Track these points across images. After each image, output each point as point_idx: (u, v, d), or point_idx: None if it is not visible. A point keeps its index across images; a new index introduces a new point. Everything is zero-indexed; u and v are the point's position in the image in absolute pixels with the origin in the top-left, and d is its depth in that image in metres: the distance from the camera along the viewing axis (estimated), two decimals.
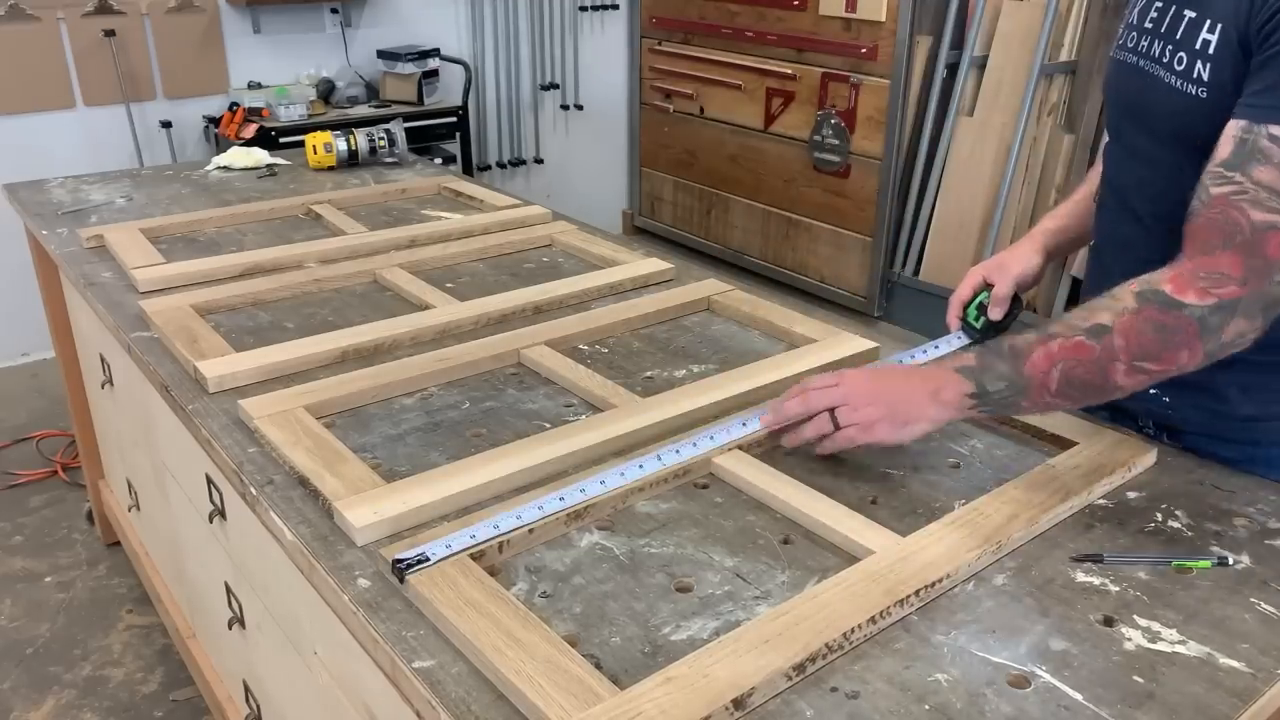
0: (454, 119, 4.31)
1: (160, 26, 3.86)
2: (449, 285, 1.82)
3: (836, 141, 4.17)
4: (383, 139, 2.60)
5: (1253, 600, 1.00)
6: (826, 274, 4.41)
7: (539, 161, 5.01)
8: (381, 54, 4.22)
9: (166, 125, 3.93)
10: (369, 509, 1.11)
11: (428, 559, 1.02)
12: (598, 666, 0.91)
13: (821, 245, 4.39)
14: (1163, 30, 1.15)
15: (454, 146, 4.35)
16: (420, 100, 4.23)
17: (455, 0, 4.53)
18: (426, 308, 1.70)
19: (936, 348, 1.45)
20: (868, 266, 4.21)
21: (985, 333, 1.43)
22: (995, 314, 1.41)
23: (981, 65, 3.92)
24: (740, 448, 1.26)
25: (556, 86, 4.93)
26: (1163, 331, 1.03)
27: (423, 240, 2.03)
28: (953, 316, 1.45)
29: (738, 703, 0.85)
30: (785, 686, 0.89)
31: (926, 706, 0.87)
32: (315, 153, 2.54)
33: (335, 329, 1.61)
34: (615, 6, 4.98)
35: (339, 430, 1.33)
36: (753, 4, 4.38)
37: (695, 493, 1.20)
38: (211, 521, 1.59)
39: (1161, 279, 1.05)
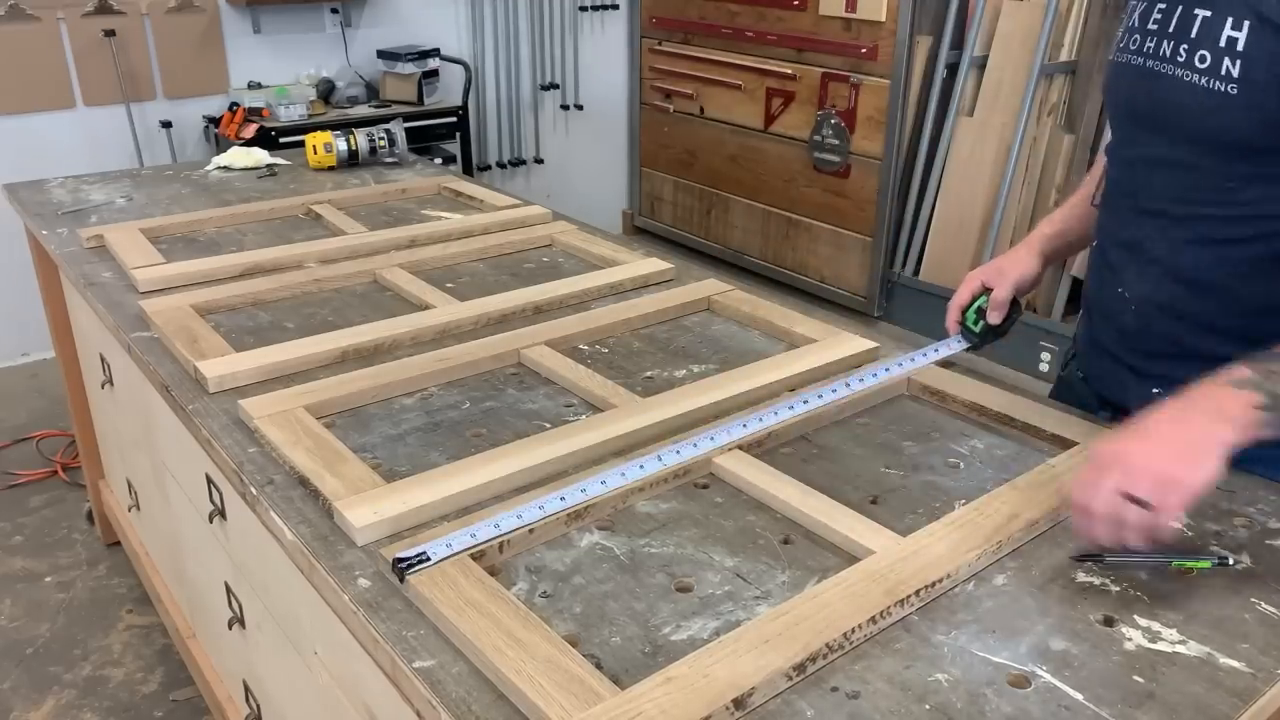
0: (454, 119, 4.31)
1: (160, 26, 3.86)
2: (449, 285, 1.82)
3: (836, 141, 4.17)
4: (383, 139, 2.60)
5: (1253, 600, 1.00)
6: (826, 274, 4.41)
7: (539, 161, 5.01)
8: (381, 54, 4.22)
9: (166, 125, 3.93)
10: (369, 509, 1.11)
11: (428, 559, 1.02)
12: (598, 666, 0.91)
13: (821, 245, 4.39)
14: (1172, 30, 1.15)
15: (454, 146, 4.35)
16: (420, 100, 4.23)
17: (455, 0, 4.53)
18: (426, 308, 1.70)
19: (936, 350, 1.45)
20: (868, 266, 4.21)
21: (984, 337, 1.43)
22: (994, 318, 1.42)
23: (981, 65, 3.92)
24: (740, 448, 1.26)
25: (556, 86, 4.93)
26: None
27: (423, 240, 2.03)
28: (951, 321, 1.45)
29: (738, 703, 0.85)
30: (785, 686, 0.89)
31: (927, 706, 0.87)
32: (315, 153, 2.54)
33: (335, 329, 1.61)
34: (615, 6, 4.98)
35: (339, 430, 1.33)
36: (753, 4, 4.38)
37: (695, 493, 1.20)
38: (211, 521, 1.59)
39: None
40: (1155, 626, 0.97)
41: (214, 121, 3.93)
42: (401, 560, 1.02)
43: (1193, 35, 1.12)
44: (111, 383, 2.12)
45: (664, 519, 1.14)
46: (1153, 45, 1.18)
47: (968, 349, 1.45)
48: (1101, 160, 1.39)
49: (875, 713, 0.86)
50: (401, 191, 2.39)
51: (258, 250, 1.95)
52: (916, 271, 4.15)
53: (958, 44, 3.94)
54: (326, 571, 1.05)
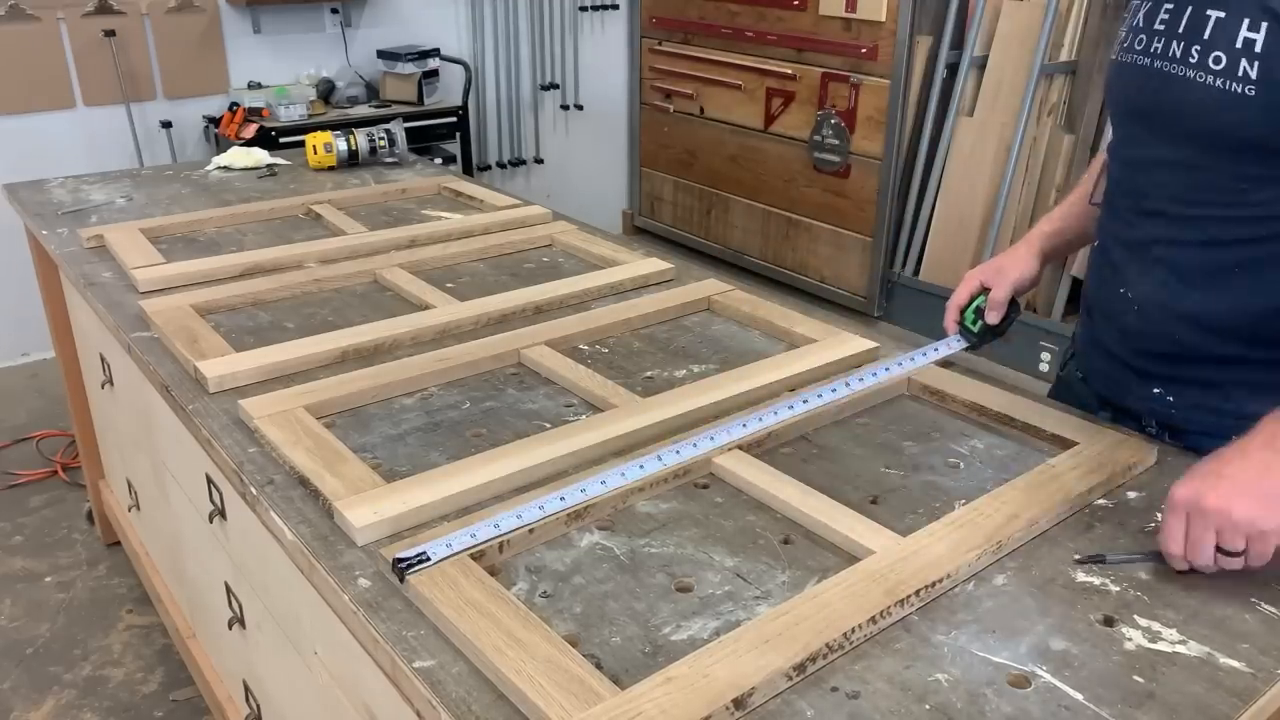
0: (454, 119, 4.31)
1: (160, 26, 3.86)
2: (449, 285, 1.82)
3: (836, 141, 4.17)
4: (383, 139, 2.60)
5: (1253, 600, 1.00)
6: (826, 274, 4.41)
7: (539, 161, 5.01)
8: (381, 54, 4.22)
9: (166, 125, 3.93)
10: (369, 509, 1.11)
11: (428, 559, 1.02)
12: (598, 666, 0.91)
13: (821, 245, 4.39)
14: (1182, 30, 1.14)
15: (454, 146, 4.35)
16: (420, 100, 4.23)
17: (455, 0, 4.53)
18: (426, 308, 1.70)
19: (936, 350, 1.45)
20: (868, 266, 4.21)
21: (982, 337, 1.43)
22: (992, 318, 1.41)
23: (981, 65, 3.92)
24: (740, 448, 1.26)
25: (556, 86, 4.93)
26: None
27: (423, 240, 2.03)
28: (950, 321, 1.45)
29: (738, 703, 0.85)
30: (785, 686, 0.89)
31: (927, 706, 0.87)
32: (315, 153, 2.54)
33: (335, 329, 1.61)
34: (615, 6, 4.98)
35: (339, 430, 1.33)
36: (753, 4, 4.38)
37: (695, 493, 1.20)
38: (211, 521, 1.59)
39: None
40: (1155, 626, 0.97)
41: (214, 121, 3.93)
42: (401, 560, 1.02)
43: (1205, 36, 1.11)
44: (111, 383, 2.12)
45: (664, 519, 1.14)
46: (1160, 46, 1.17)
47: (967, 349, 1.45)
48: (1100, 158, 1.39)
49: (875, 713, 0.86)
50: (401, 191, 2.39)
51: (258, 250, 1.95)
52: (916, 271, 4.15)
53: (958, 44, 3.94)
54: (326, 571, 1.05)
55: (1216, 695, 0.88)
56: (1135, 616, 0.98)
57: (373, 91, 4.29)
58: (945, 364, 1.48)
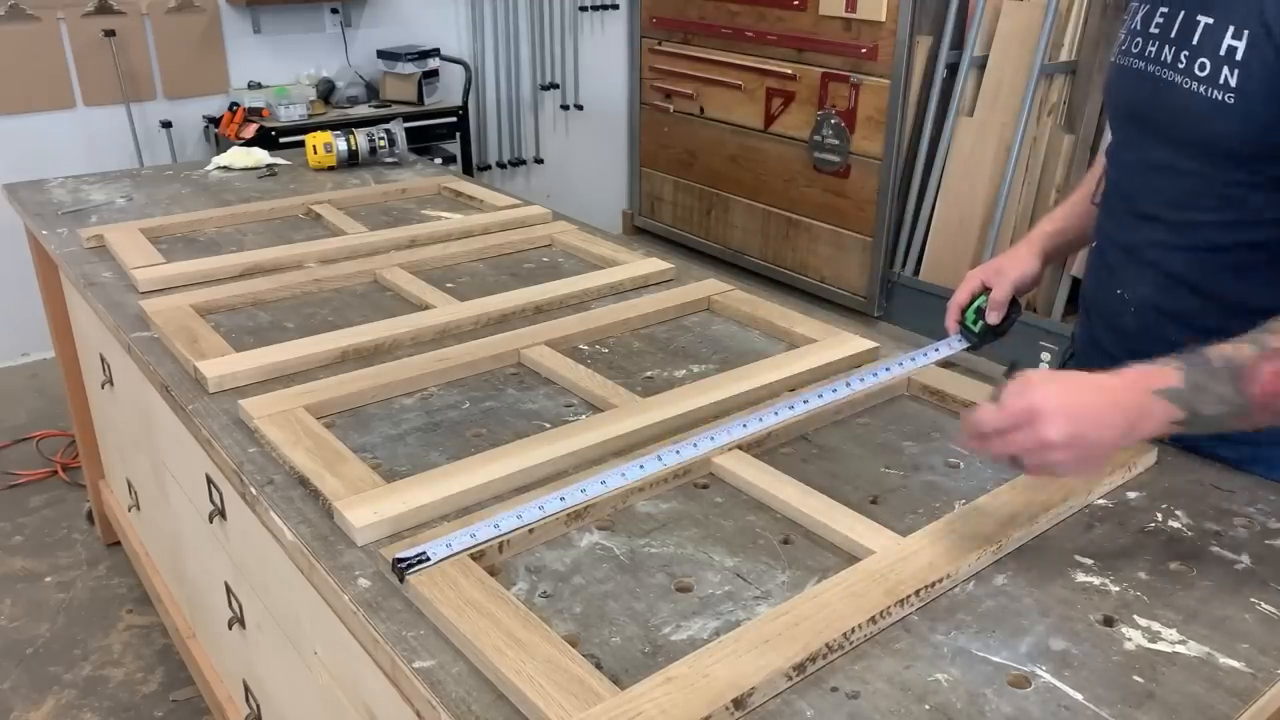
0: (454, 119, 4.31)
1: (160, 26, 3.86)
2: (449, 285, 1.82)
3: (836, 141, 4.17)
4: (383, 139, 2.60)
5: (1253, 600, 1.00)
6: (826, 274, 4.41)
7: (539, 161, 5.01)
8: (381, 54, 4.22)
9: (166, 125, 3.93)
10: (369, 509, 1.11)
11: (428, 559, 1.02)
12: (598, 666, 0.91)
13: (821, 245, 4.39)
14: (1173, 35, 1.15)
15: (454, 146, 4.35)
16: (420, 100, 4.23)
17: (455, 0, 4.53)
18: (426, 308, 1.70)
19: (936, 350, 1.45)
20: (868, 266, 4.21)
21: (983, 336, 1.43)
22: (993, 318, 1.41)
23: (981, 65, 3.92)
24: (740, 448, 1.26)
25: (556, 86, 4.93)
26: None
27: (423, 240, 2.03)
28: (951, 321, 1.45)
29: (738, 703, 0.85)
30: (785, 686, 0.89)
31: (926, 706, 0.87)
32: (315, 153, 2.54)
33: (335, 329, 1.61)
34: (615, 6, 4.98)
35: (339, 430, 1.33)
36: (753, 4, 4.38)
37: (695, 493, 1.20)
38: (211, 521, 1.59)
39: None
40: (1155, 626, 0.97)
41: (214, 121, 3.93)
42: (401, 560, 1.02)
43: (1194, 42, 1.12)
44: (111, 383, 2.12)
45: (664, 519, 1.14)
46: (1154, 50, 1.18)
47: (967, 349, 1.45)
48: (1102, 158, 1.39)
49: (875, 713, 0.86)
50: (401, 191, 2.39)
51: (258, 250, 1.95)
52: (916, 271, 4.15)
53: (958, 44, 3.93)
54: (326, 571, 1.05)
55: (1216, 695, 0.88)
56: (1135, 616, 0.98)
57: (373, 91, 4.29)
58: (945, 364, 1.48)
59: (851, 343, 1.55)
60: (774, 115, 4.43)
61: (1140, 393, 0.97)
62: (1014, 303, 1.43)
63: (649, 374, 1.50)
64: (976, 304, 1.43)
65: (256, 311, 1.72)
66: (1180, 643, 0.95)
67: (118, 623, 2.51)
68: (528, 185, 4.97)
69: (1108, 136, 1.40)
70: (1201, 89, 1.11)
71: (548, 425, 1.33)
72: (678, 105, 4.90)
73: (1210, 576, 1.04)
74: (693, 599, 1.01)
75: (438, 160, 3.77)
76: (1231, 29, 1.08)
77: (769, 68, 4.38)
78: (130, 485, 2.33)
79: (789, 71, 4.30)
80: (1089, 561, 1.06)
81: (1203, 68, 1.11)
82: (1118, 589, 1.02)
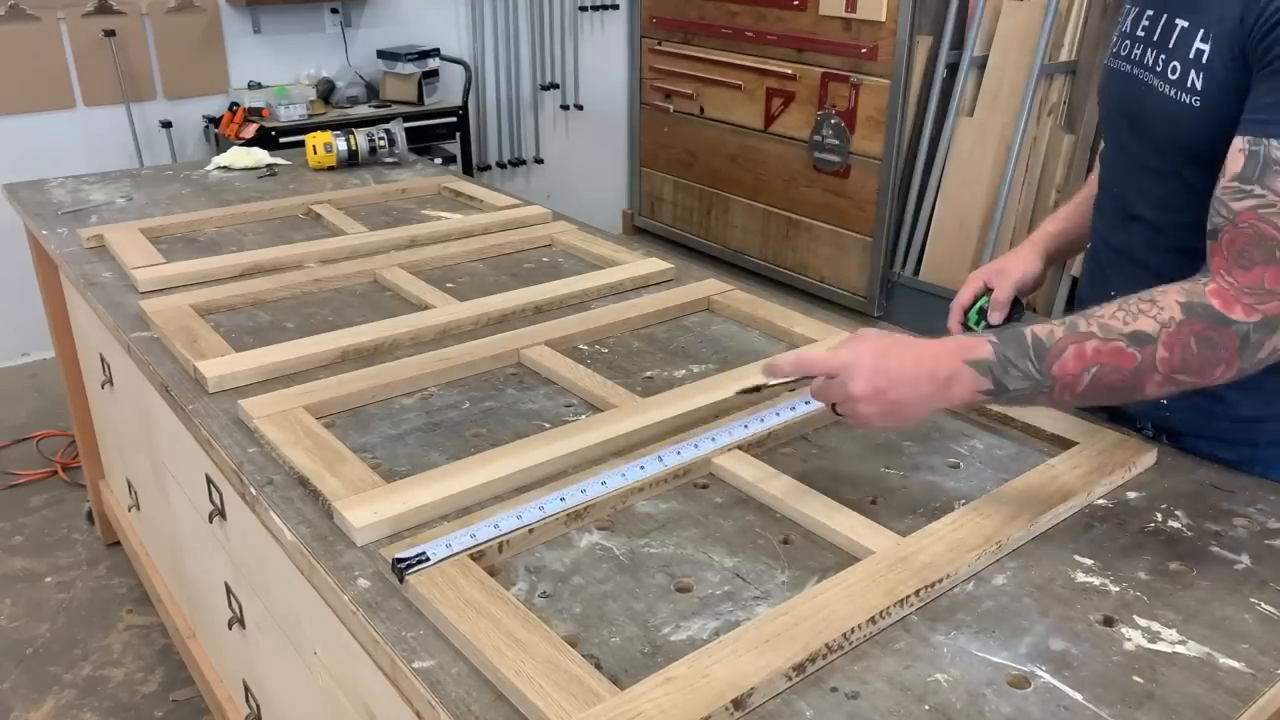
0: (454, 119, 4.31)
1: (160, 26, 3.86)
2: (449, 285, 1.82)
3: (836, 141, 4.17)
4: (383, 139, 2.60)
5: (1253, 600, 1.00)
6: (826, 274, 4.41)
7: (539, 161, 5.01)
8: (381, 54, 4.22)
9: (166, 125, 3.93)
10: (369, 509, 1.11)
11: (428, 559, 1.02)
12: (598, 666, 0.91)
13: (821, 245, 4.39)
14: (1155, 39, 1.16)
15: (454, 146, 4.35)
16: (420, 100, 4.23)
17: (455, 0, 4.53)
18: (426, 308, 1.70)
19: None
20: (868, 266, 4.21)
21: None
22: (995, 318, 1.42)
23: (981, 65, 3.92)
24: (740, 448, 1.26)
25: (556, 86, 4.93)
26: (1207, 346, 0.99)
27: (423, 240, 2.03)
28: (954, 321, 1.46)
29: (738, 703, 0.85)
30: (785, 686, 0.89)
31: (926, 706, 0.87)
32: (315, 153, 2.54)
33: (335, 329, 1.61)
34: (615, 6, 4.98)
35: (339, 430, 1.33)
36: (753, 4, 4.38)
37: (695, 493, 1.20)
38: (211, 521, 1.59)
39: (1204, 291, 1.01)
40: (1155, 626, 0.97)
41: (214, 121, 3.93)
42: (401, 560, 1.02)
43: (1170, 46, 1.13)
44: (111, 383, 2.12)
45: (664, 519, 1.14)
46: (1139, 53, 1.19)
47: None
48: None
49: (875, 713, 0.86)
50: (401, 191, 2.39)
51: (258, 250, 1.95)
52: (916, 271, 4.15)
53: (958, 44, 3.94)
54: (326, 572, 1.05)
55: (1216, 695, 0.88)
56: (1135, 616, 0.98)
57: (373, 91, 4.29)
58: None
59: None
60: (774, 115, 4.43)
61: (953, 361, 1.05)
62: (1016, 303, 1.43)
63: (649, 374, 1.50)
64: (979, 304, 1.44)
65: (256, 311, 1.72)
66: (1180, 643, 0.94)
67: (118, 623, 2.51)
68: (528, 185, 4.97)
69: (1104, 142, 1.40)
70: (1172, 92, 1.12)
71: (548, 425, 1.33)
72: (678, 105, 4.90)
73: (1210, 576, 1.04)
74: (692, 599, 1.01)
75: (438, 160, 3.77)
76: (1201, 32, 1.08)
77: (769, 68, 4.38)
78: (130, 485, 2.33)
79: (789, 71, 4.30)
80: (1089, 561, 1.06)
81: (1174, 71, 1.12)
82: (1118, 589, 1.02)
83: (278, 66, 4.12)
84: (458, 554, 1.04)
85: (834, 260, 4.36)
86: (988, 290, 1.43)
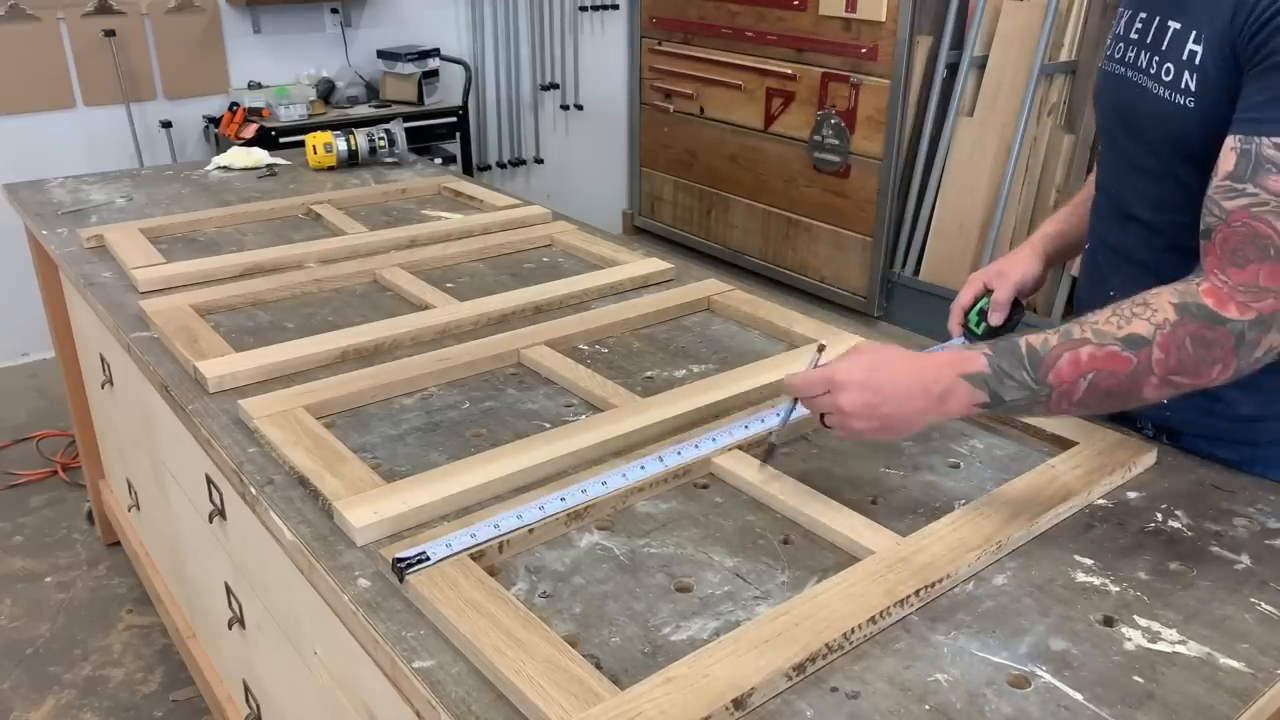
0: (454, 119, 4.31)
1: (160, 26, 3.86)
2: (449, 285, 1.82)
3: (836, 141, 4.17)
4: (383, 139, 2.60)
5: (1253, 600, 1.00)
6: (826, 274, 4.41)
7: (539, 161, 5.01)
8: (381, 54, 4.22)
9: (166, 125, 3.93)
10: (369, 509, 1.11)
11: (428, 559, 1.02)
12: (598, 666, 0.91)
13: (821, 245, 4.39)
14: (1148, 41, 1.16)
15: (454, 146, 4.35)
16: (420, 100, 4.23)
17: (455, 0, 4.53)
18: (426, 308, 1.70)
19: (939, 351, 1.45)
20: (868, 266, 4.21)
21: (986, 338, 1.43)
22: (995, 319, 1.42)
23: (981, 65, 3.92)
24: (740, 448, 1.26)
25: (556, 86, 4.93)
26: (1203, 346, 0.99)
27: (423, 240, 2.03)
28: (954, 323, 1.46)
29: (738, 703, 0.85)
30: (785, 686, 0.89)
31: (926, 706, 0.87)
32: (315, 153, 2.54)
33: (335, 329, 1.61)
34: (615, 6, 4.98)
35: (339, 430, 1.33)
36: (753, 4, 4.38)
37: (695, 493, 1.20)
38: (211, 521, 1.59)
39: (1198, 290, 1.01)
40: (1155, 626, 0.97)
41: (214, 121, 3.93)
42: (401, 560, 1.02)
43: (1163, 48, 1.13)
44: (111, 383, 2.12)
45: (664, 519, 1.14)
46: (1132, 55, 1.19)
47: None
48: None
49: (875, 713, 0.86)
50: (401, 191, 2.39)
51: (258, 250, 1.95)
52: (916, 271, 4.15)
53: (958, 44, 3.94)
54: (326, 571, 1.05)
55: (1216, 695, 0.88)
56: (1135, 616, 0.98)
57: (373, 91, 4.29)
58: None
59: (852, 343, 1.54)
60: (774, 115, 4.43)
61: (947, 375, 1.05)
62: (1016, 304, 1.43)
63: (649, 374, 1.50)
64: (979, 305, 1.44)
65: (256, 311, 1.72)
66: (1180, 643, 0.95)
67: (118, 623, 2.51)
68: (528, 185, 4.97)
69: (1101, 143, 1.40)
70: (1166, 93, 1.12)
71: (548, 425, 1.33)
72: (678, 105, 4.90)
73: (1210, 576, 1.04)
74: (692, 599, 1.01)
75: (438, 160, 3.77)
76: (1194, 34, 1.09)
77: (769, 68, 4.38)
78: (130, 485, 2.33)
79: (789, 71, 4.30)
80: (1089, 561, 1.06)
81: (1168, 72, 1.12)
82: (1118, 589, 1.02)
83: (278, 66, 4.12)
84: (458, 554, 1.04)
85: (834, 260, 4.36)
86: (988, 291, 1.43)
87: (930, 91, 3.99)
